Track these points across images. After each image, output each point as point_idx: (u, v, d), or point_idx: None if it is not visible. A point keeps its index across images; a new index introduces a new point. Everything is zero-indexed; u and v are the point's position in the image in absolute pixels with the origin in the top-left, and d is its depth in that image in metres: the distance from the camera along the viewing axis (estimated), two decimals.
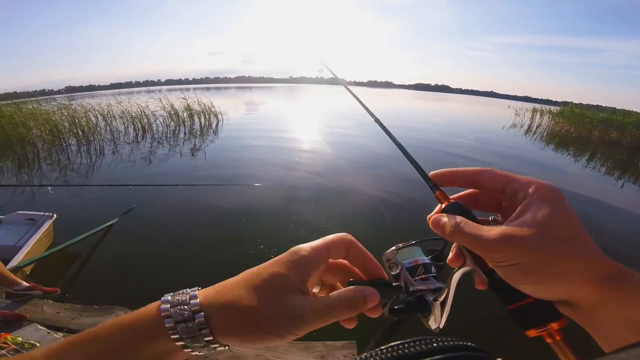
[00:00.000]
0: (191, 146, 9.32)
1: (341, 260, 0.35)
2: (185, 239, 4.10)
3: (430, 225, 0.35)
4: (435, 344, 0.24)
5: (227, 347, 0.30)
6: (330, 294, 0.31)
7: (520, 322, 0.30)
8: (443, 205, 0.35)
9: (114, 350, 0.28)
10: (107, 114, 11.31)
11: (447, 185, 0.36)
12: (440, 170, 0.36)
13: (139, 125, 11.21)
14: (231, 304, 0.28)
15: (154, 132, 11.20)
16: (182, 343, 0.28)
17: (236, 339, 0.28)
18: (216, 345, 0.29)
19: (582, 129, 17.37)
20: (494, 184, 0.33)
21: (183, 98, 13.01)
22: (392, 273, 0.43)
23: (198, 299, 0.29)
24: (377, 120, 0.62)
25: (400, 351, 0.24)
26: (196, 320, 0.27)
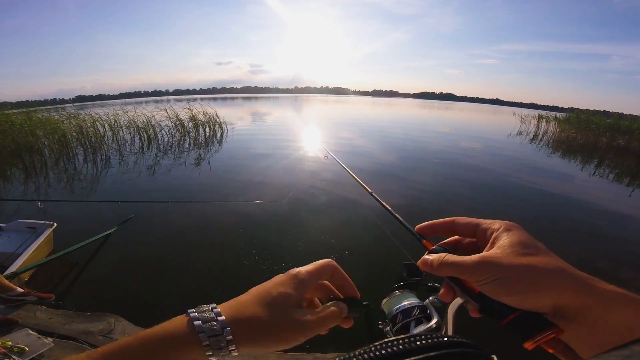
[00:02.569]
0: (196, 157, 9.40)
1: (324, 282, 0.42)
2: (181, 249, 4.09)
3: (420, 266, 0.39)
4: (430, 340, 0.25)
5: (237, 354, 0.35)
6: (320, 308, 0.39)
7: (516, 335, 0.31)
8: (429, 250, 0.40)
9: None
10: (114, 124, 11.51)
11: (431, 235, 0.42)
12: (423, 224, 0.42)
13: (145, 136, 11.38)
14: (250, 319, 0.34)
15: (160, 142, 11.35)
16: (210, 352, 0.32)
17: (253, 346, 0.34)
18: (235, 354, 0.34)
19: (589, 136, 17.18)
20: (466, 229, 0.39)
21: (188, 108, 13.19)
22: (387, 321, 0.48)
23: (223, 317, 0.34)
24: (372, 194, 0.76)
25: (395, 348, 0.24)
26: (224, 335, 0.32)
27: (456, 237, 0.41)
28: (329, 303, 0.39)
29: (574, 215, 5.80)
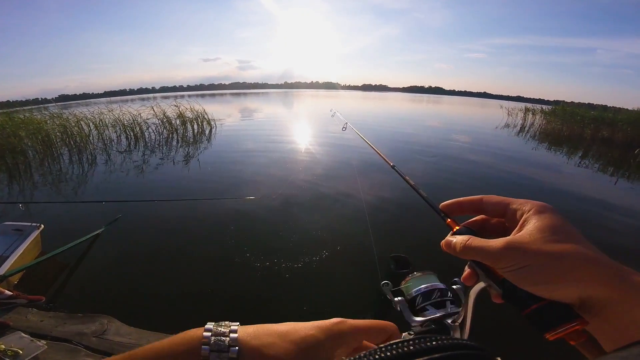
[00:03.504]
0: (184, 154, 9.29)
1: (368, 343, 0.36)
2: (171, 248, 4.05)
3: (443, 247, 0.38)
4: (434, 342, 0.24)
5: None
6: None
7: (537, 325, 0.31)
8: (453, 230, 0.39)
9: None
10: (100, 123, 11.25)
11: (456, 214, 0.40)
12: (448, 201, 0.41)
13: (132, 134, 11.16)
14: (263, 349, 0.31)
15: (147, 140, 11.15)
16: None
17: None
18: None
19: (574, 128, 17.55)
20: (495, 209, 0.37)
21: (175, 105, 12.98)
22: (407, 297, 0.47)
23: (237, 334, 0.31)
24: (394, 167, 0.73)
25: (399, 350, 0.24)
26: (229, 353, 0.30)
27: (483, 216, 0.40)
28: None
29: (561, 204, 5.94)
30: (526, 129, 18.76)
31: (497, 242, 0.32)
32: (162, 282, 3.33)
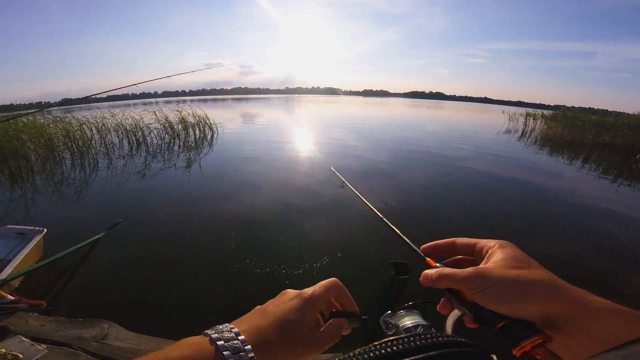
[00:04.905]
0: (186, 159, 9.30)
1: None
2: (172, 253, 4.04)
3: (422, 281, 0.42)
4: (430, 340, 0.25)
5: None
6: (325, 326, 0.41)
7: (505, 341, 0.33)
8: (431, 266, 0.43)
9: None
10: (102, 127, 11.31)
11: (434, 254, 0.45)
12: (427, 244, 0.46)
13: (134, 139, 11.20)
14: (269, 343, 0.35)
15: (149, 145, 11.19)
16: None
17: None
18: None
19: (575, 133, 17.54)
20: (465, 248, 0.43)
21: (177, 110, 13.04)
22: (389, 333, 0.51)
23: (243, 336, 0.34)
24: (383, 219, 0.78)
25: (395, 347, 0.24)
26: (247, 352, 0.32)
27: (458, 256, 0.44)
28: (332, 320, 0.41)
29: (562, 210, 5.93)
30: (527, 134, 18.77)
31: (466, 270, 0.37)
32: (162, 287, 3.33)
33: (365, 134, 15.53)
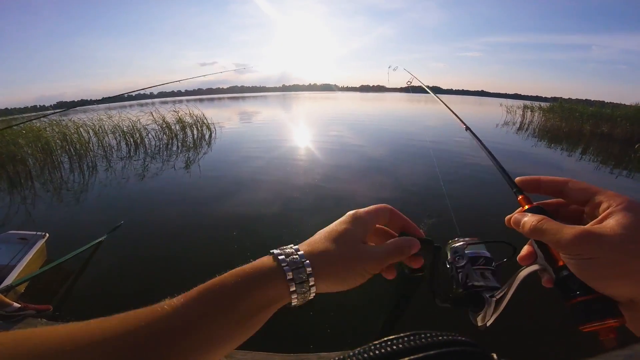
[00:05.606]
0: (185, 159, 9.26)
1: (383, 227, 0.44)
2: (174, 254, 4.04)
3: (511, 224, 0.37)
4: (429, 339, 0.24)
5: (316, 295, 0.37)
6: (386, 242, 0.40)
7: (579, 316, 0.31)
8: (524, 208, 0.38)
9: (239, 296, 0.33)
10: (99, 130, 11.23)
11: (531, 191, 0.39)
12: (526, 176, 0.40)
13: (131, 140, 11.14)
14: (323, 252, 0.37)
15: (147, 146, 11.13)
16: (293, 287, 0.35)
17: (329, 281, 0.37)
18: (313, 291, 0.36)
19: (573, 124, 17.57)
20: (580, 195, 0.35)
21: (174, 111, 12.96)
22: (457, 264, 0.48)
23: (302, 251, 0.37)
24: (468, 128, 0.72)
25: (393, 347, 0.24)
26: (305, 267, 0.35)
27: (560, 199, 0.38)
28: (398, 238, 0.41)
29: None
30: (525, 126, 18.78)
31: (573, 229, 0.31)
32: (166, 288, 3.26)
33: (363, 130, 15.51)
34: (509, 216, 0.38)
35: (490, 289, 0.43)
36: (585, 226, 0.31)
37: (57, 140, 9.91)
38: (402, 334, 0.25)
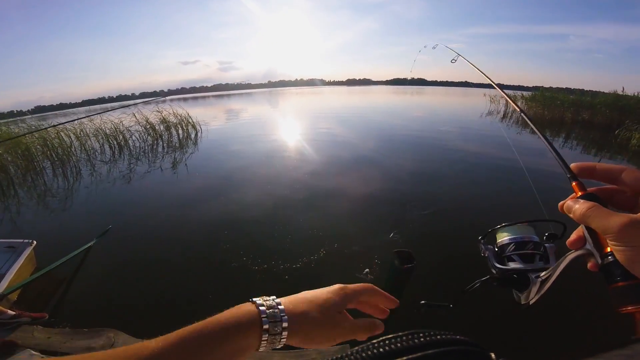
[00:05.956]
0: (171, 160, 9.12)
1: (365, 300, 0.49)
2: (165, 255, 4.00)
3: (564, 210, 0.38)
4: (428, 338, 0.24)
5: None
6: (359, 319, 0.46)
7: (619, 298, 0.32)
8: (577, 195, 0.38)
9: (217, 343, 0.35)
10: (80, 133, 10.91)
11: (585, 177, 0.40)
12: (582, 163, 0.40)
13: (115, 143, 10.88)
14: (304, 314, 0.40)
15: (131, 148, 10.89)
16: (265, 337, 0.37)
17: (300, 339, 0.40)
18: (283, 343, 0.39)
19: (555, 112, 17.99)
20: (634, 183, 0.35)
21: (158, 111, 12.71)
22: (495, 248, 0.52)
23: (282, 306, 0.40)
24: (522, 112, 0.72)
25: (393, 345, 0.24)
26: (282, 322, 0.38)
27: (614, 186, 0.38)
28: (368, 319, 0.47)
29: (546, 186, 6.08)
30: (509, 115, 19.13)
31: (620, 217, 0.32)
32: (159, 290, 3.30)
33: (351, 123, 15.55)
34: (561, 202, 0.39)
35: (535, 270, 0.46)
36: (633, 215, 0.32)
37: (38, 146, 9.58)
38: (400, 333, 0.25)
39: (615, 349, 0.21)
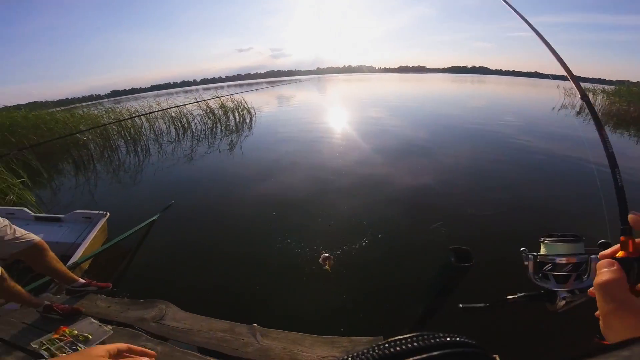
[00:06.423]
0: (228, 142, 9.62)
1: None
2: (217, 233, 4.24)
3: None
4: (432, 340, 0.25)
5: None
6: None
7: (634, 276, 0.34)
8: (618, 254, 0.37)
9: None
10: (150, 116, 11.93)
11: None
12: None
13: (179, 125, 11.74)
14: None
15: (193, 130, 11.68)
16: None
17: None
18: None
19: None
20: None
21: (217, 97, 13.42)
22: (536, 259, 0.54)
23: None
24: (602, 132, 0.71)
25: (397, 347, 0.24)
26: None
27: None
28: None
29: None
30: (585, 110, 16.98)
31: (619, 309, 0.32)
32: (211, 265, 3.49)
33: (403, 112, 14.99)
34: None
35: (568, 292, 0.50)
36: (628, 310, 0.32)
37: (114, 126, 10.69)
38: (405, 335, 0.25)
39: (613, 350, 0.21)
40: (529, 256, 0.55)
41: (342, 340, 1.91)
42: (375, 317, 2.64)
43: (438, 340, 0.25)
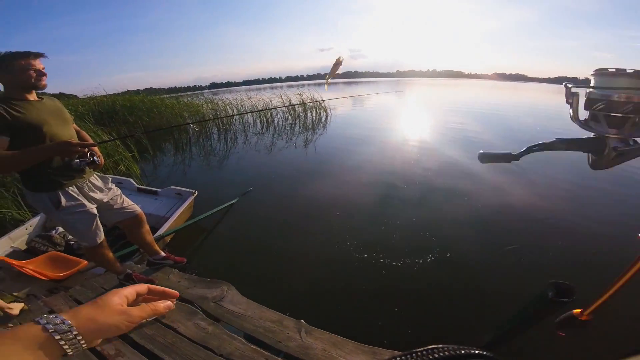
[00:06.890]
0: (304, 139, 9.94)
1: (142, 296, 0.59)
2: (289, 219, 4.38)
3: None
4: (448, 353, 0.24)
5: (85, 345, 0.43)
6: (140, 305, 0.53)
7: None
8: None
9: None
10: (240, 108, 13.12)
11: None
12: None
13: (265, 119, 12.64)
14: (88, 318, 0.44)
15: (275, 125, 12.41)
16: (67, 347, 0.40)
17: (96, 334, 0.44)
18: (84, 345, 0.42)
19: None
20: None
21: (299, 94, 14.08)
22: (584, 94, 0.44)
23: (66, 318, 0.42)
24: None
25: (418, 359, 0.24)
26: (73, 332, 0.41)
27: None
28: (152, 303, 0.56)
29: None
30: None
31: None
32: (273, 256, 3.56)
33: (492, 122, 13.56)
34: None
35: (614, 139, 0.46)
36: None
37: (210, 115, 12.06)
38: (421, 348, 0.25)
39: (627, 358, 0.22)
40: (575, 91, 0.42)
41: (385, 353, 1.78)
42: (425, 336, 2.44)
43: (455, 352, 0.25)
